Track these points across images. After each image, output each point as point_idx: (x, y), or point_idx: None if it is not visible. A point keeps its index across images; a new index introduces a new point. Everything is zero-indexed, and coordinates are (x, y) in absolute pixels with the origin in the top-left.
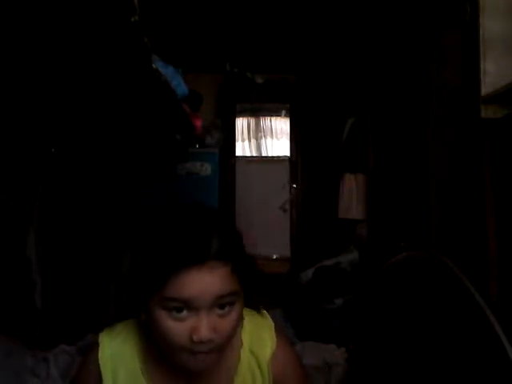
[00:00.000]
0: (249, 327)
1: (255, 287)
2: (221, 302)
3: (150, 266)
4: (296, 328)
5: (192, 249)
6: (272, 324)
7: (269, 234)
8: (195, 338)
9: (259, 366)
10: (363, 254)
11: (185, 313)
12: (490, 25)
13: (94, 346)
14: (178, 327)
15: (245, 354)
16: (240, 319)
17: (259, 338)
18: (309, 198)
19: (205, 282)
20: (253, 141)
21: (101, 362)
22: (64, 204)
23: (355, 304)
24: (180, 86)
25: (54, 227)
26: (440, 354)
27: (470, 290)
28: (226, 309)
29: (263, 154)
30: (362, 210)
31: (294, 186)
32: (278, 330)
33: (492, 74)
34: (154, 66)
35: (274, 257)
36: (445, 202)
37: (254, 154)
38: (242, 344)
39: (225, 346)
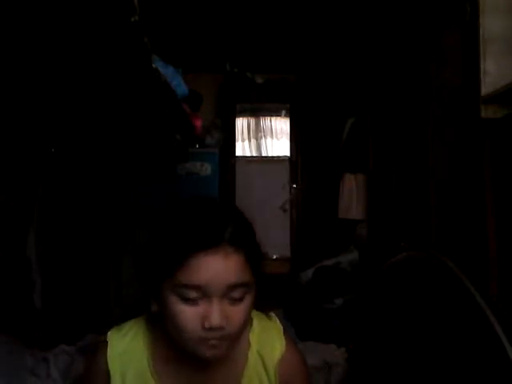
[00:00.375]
0: (257, 329)
1: (264, 281)
2: (233, 291)
3: (165, 249)
4: (296, 328)
5: (207, 232)
6: (281, 327)
7: (269, 234)
8: (207, 324)
9: (265, 368)
10: (363, 254)
11: (197, 300)
12: (490, 25)
13: (103, 345)
14: (190, 314)
15: (252, 356)
16: (250, 312)
17: (268, 340)
18: (309, 197)
19: (219, 267)
20: (253, 141)
21: (109, 360)
22: (64, 204)
23: (355, 304)
24: (180, 85)
25: (53, 227)
26: (440, 354)
27: (470, 290)
28: (238, 299)
29: (263, 154)
30: (362, 210)
31: (294, 186)
32: (286, 333)
33: (492, 74)
34: (154, 65)
35: (274, 257)
36: (445, 202)
37: (254, 154)
38: (249, 345)
39: (234, 338)
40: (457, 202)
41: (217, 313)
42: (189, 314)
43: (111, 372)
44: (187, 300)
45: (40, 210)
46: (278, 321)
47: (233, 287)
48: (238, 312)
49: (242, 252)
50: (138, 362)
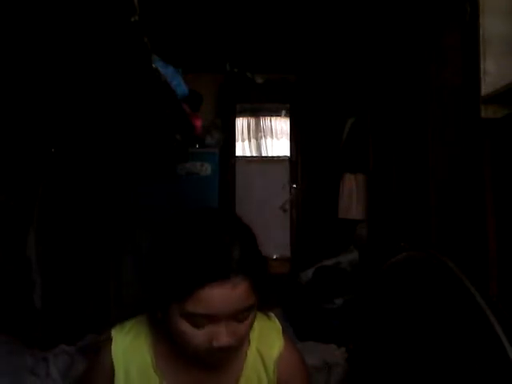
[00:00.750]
0: (257, 328)
1: (269, 294)
2: (240, 316)
3: (172, 279)
4: (296, 328)
5: (215, 266)
6: (280, 327)
7: (269, 233)
8: (215, 343)
9: (264, 365)
10: (363, 254)
11: (205, 324)
12: (490, 25)
13: (107, 342)
14: (197, 334)
15: (251, 353)
16: (253, 322)
17: (267, 338)
18: (309, 197)
19: (227, 297)
20: (253, 141)
21: (114, 356)
22: (64, 204)
23: (355, 304)
24: (180, 85)
25: (53, 227)
26: (440, 354)
27: (470, 290)
28: (244, 319)
29: (263, 154)
30: (362, 210)
31: (294, 186)
32: (285, 333)
33: (492, 74)
34: (153, 65)
35: (274, 257)
36: (445, 202)
37: (254, 154)
38: (249, 343)
39: (239, 348)
40: (457, 202)
41: (225, 333)
42: (196, 335)
43: (115, 368)
44: (195, 324)
45: (40, 210)
46: (277, 320)
47: (240, 312)
48: (243, 328)
49: (248, 278)
50: (141, 359)
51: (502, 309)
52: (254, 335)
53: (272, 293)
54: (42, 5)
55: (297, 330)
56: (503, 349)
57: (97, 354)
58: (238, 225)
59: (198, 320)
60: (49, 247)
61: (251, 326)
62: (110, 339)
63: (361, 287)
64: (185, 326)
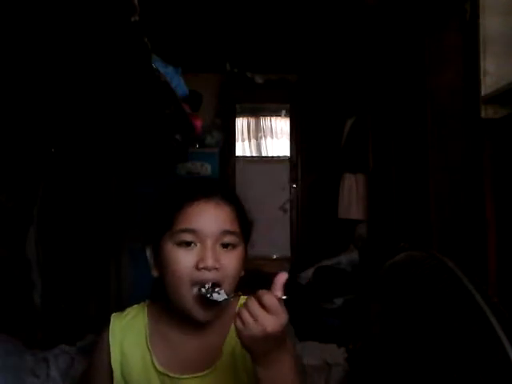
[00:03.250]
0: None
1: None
2: (225, 237)
3: (165, 203)
4: (296, 328)
5: (201, 185)
6: None
7: (269, 234)
8: (201, 264)
9: None
10: (363, 254)
11: (193, 245)
12: (489, 25)
13: (106, 324)
14: (186, 258)
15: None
16: (240, 265)
17: None
18: (309, 198)
19: (211, 213)
20: (253, 141)
21: (111, 335)
22: (64, 204)
23: (355, 304)
24: (180, 86)
25: (54, 227)
26: (440, 354)
27: (469, 290)
28: (229, 247)
29: (263, 154)
30: (362, 210)
31: (294, 186)
32: None
33: (492, 74)
34: (153, 65)
35: (274, 257)
36: (445, 202)
37: (254, 154)
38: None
39: (226, 286)
40: (457, 202)
41: (210, 254)
42: (184, 257)
43: (111, 343)
44: (184, 244)
45: (40, 210)
46: None
47: (224, 233)
48: (229, 258)
49: (232, 206)
50: (137, 333)
51: (501, 309)
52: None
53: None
54: (42, 4)
55: (297, 330)
56: (503, 349)
57: (98, 336)
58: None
59: (186, 237)
60: (49, 247)
61: (236, 264)
62: (108, 321)
63: (361, 287)
64: (174, 252)
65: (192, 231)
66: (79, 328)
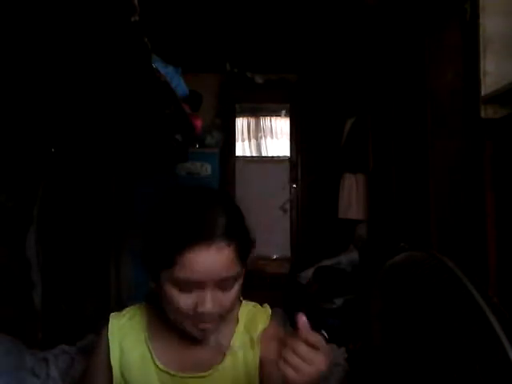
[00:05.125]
0: (247, 309)
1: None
2: (224, 282)
3: (161, 245)
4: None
5: (200, 227)
6: (270, 312)
7: (269, 234)
8: (200, 309)
9: (251, 340)
10: (363, 254)
11: (192, 289)
12: (490, 25)
13: (105, 323)
14: (184, 300)
15: (239, 330)
16: (239, 295)
17: (254, 318)
18: (309, 198)
19: (212, 262)
20: (253, 141)
21: (110, 334)
22: (64, 204)
23: (355, 304)
24: (180, 86)
25: (53, 227)
26: (440, 354)
27: (469, 290)
28: (229, 287)
29: (263, 154)
30: (362, 210)
31: (294, 186)
32: (274, 317)
33: (492, 74)
34: (153, 66)
35: (274, 257)
36: (445, 201)
37: (254, 154)
38: (238, 321)
39: (224, 317)
40: (457, 202)
41: (209, 300)
42: (183, 300)
43: (110, 343)
44: (182, 289)
45: (40, 210)
46: (268, 307)
47: (224, 279)
48: (228, 297)
49: (233, 245)
50: (136, 333)
51: (501, 309)
52: (243, 315)
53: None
54: (42, 4)
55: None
56: (503, 349)
57: (97, 336)
58: (227, 199)
59: (184, 285)
60: (49, 247)
61: (236, 297)
62: (107, 322)
63: (361, 287)
64: (173, 292)
65: (191, 281)
66: (79, 328)
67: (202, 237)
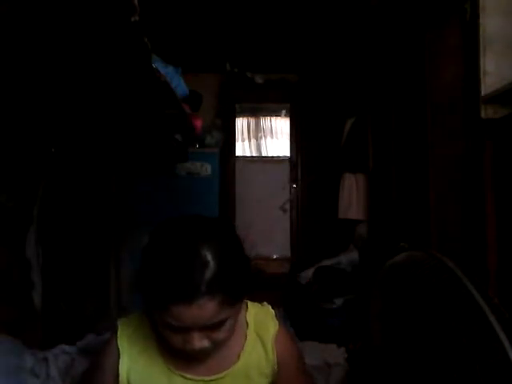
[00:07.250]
0: (253, 311)
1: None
2: (212, 326)
3: (148, 289)
4: (296, 328)
5: (181, 287)
6: (273, 312)
7: (269, 233)
8: (188, 347)
9: (264, 346)
10: (363, 254)
11: (180, 330)
12: (490, 24)
13: (114, 330)
14: (174, 337)
15: (251, 335)
16: (234, 326)
17: (263, 321)
18: (309, 198)
19: (195, 316)
20: (253, 141)
21: (119, 341)
22: (64, 204)
23: (355, 304)
24: (180, 86)
25: (54, 227)
26: (439, 354)
27: (469, 290)
28: (218, 327)
29: (263, 154)
30: (362, 210)
31: (294, 186)
32: (277, 317)
33: (492, 74)
34: (153, 66)
35: (274, 257)
36: (445, 201)
37: (254, 154)
38: (247, 325)
39: (221, 344)
40: (457, 202)
41: (196, 339)
42: (174, 337)
43: (120, 349)
44: (171, 329)
45: (40, 210)
46: (269, 306)
47: (211, 325)
48: (219, 334)
49: (218, 296)
50: (144, 341)
51: (501, 309)
52: (251, 318)
53: (271, 290)
54: (42, 4)
55: (297, 330)
56: (503, 349)
57: (104, 344)
58: (222, 237)
59: (172, 328)
60: (49, 247)
61: (227, 333)
62: (115, 329)
63: (361, 287)
64: (163, 328)
65: (177, 327)
66: (79, 328)
67: (182, 297)
